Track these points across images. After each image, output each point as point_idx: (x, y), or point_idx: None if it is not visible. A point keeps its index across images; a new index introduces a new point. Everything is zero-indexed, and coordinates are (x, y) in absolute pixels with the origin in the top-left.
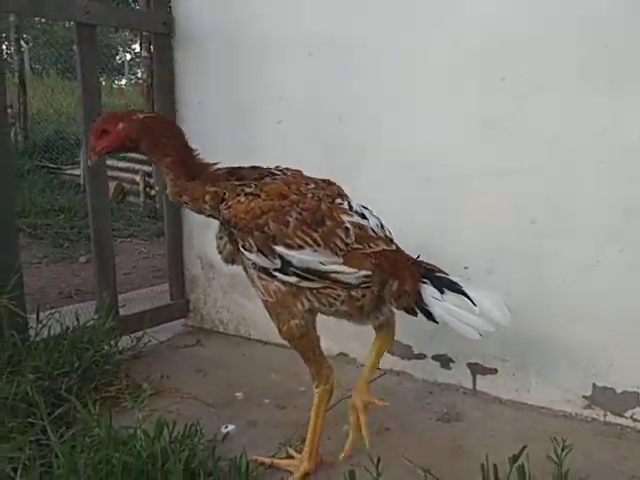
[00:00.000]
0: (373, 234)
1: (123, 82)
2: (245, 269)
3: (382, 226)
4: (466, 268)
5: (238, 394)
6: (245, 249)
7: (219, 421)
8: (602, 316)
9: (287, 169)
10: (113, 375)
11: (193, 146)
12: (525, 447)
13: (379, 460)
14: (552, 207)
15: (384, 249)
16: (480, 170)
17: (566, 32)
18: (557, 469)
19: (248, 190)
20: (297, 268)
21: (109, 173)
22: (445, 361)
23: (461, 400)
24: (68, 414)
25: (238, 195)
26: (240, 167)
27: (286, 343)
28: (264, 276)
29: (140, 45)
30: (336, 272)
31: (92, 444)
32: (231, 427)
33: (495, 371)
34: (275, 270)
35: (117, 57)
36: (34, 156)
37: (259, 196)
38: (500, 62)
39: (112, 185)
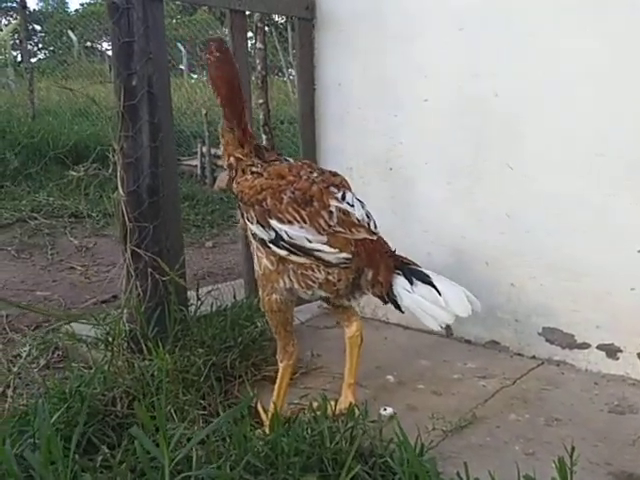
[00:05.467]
0: (356, 221)
1: None
2: (250, 241)
3: (369, 218)
4: None
5: (389, 377)
6: (248, 220)
7: (376, 403)
8: None
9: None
10: (269, 352)
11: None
12: None
13: (573, 449)
14: None
15: (365, 238)
16: None
17: None
18: None
19: (254, 169)
20: (286, 242)
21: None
22: (612, 351)
23: (631, 392)
24: (233, 389)
25: (245, 173)
26: (265, 148)
27: (425, 327)
28: (261, 248)
29: (255, 37)
30: (319, 250)
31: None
32: (390, 410)
33: None
34: (270, 242)
35: None
36: None
37: (262, 175)
38: None
39: (226, 174)
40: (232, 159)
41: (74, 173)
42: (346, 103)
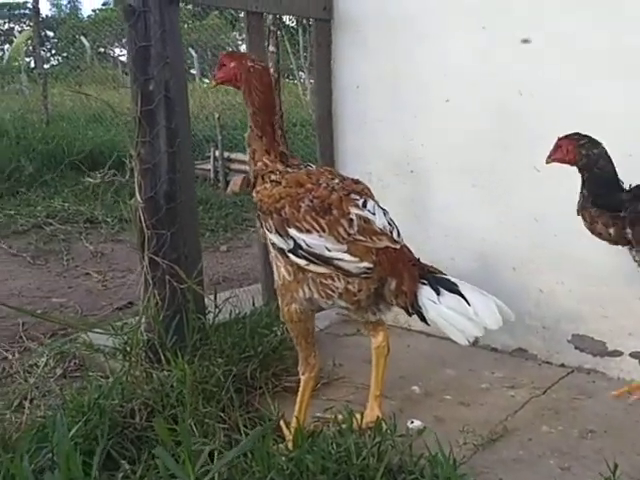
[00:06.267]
0: (378, 230)
1: None
2: (268, 248)
3: (391, 226)
4: None
5: (414, 388)
6: (267, 229)
7: (403, 415)
8: None
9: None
10: (289, 362)
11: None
12: None
13: (616, 466)
14: None
15: (387, 246)
16: None
17: None
18: None
19: (273, 177)
20: (305, 251)
21: (236, 167)
22: None
23: None
24: (253, 400)
25: (265, 182)
26: (291, 155)
27: (445, 335)
28: (280, 257)
29: (268, 40)
30: (339, 259)
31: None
32: (417, 423)
33: None
34: (289, 251)
35: None
36: None
37: (280, 183)
38: None
39: (239, 178)
40: (260, 164)
41: (91, 180)
42: (364, 105)
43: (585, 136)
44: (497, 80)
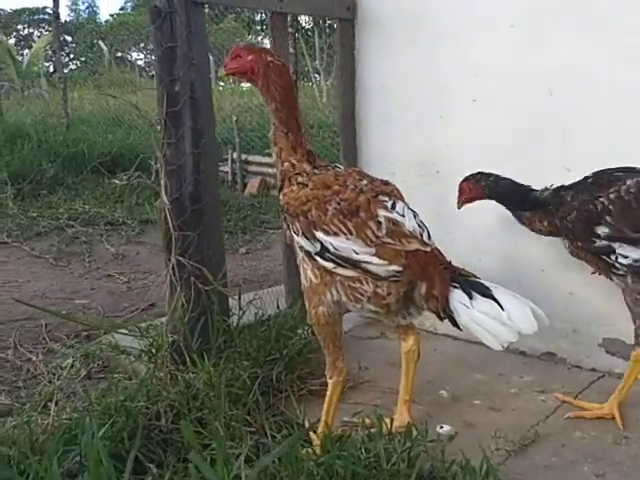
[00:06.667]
0: (407, 232)
1: (248, 84)
2: (295, 251)
3: (422, 228)
4: None
5: (442, 392)
6: (294, 232)
7: (431, 420)
8: None
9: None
10: (314, 364)
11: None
12: None
13: None
14: None
15: (417, 249)
16: None
17: None
18: None
19: (300, 180)
20: (333, 254)
21: (254, 169)
22: None
23: None
24: (279, 404)
25: (292, 184)
26: (317, 156)
27: (476, 339)
28: (307, 259)
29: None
30: (367, 262)
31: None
32: (447, 428)
33: None
34: (316, 254)
35: None
36: None
37: (307, 185)
38: None
39: (257, 180)
40: (286, 164)
41: (117, 182)
42: (389, 105)
43: (477, 173)
44: (526, 79)
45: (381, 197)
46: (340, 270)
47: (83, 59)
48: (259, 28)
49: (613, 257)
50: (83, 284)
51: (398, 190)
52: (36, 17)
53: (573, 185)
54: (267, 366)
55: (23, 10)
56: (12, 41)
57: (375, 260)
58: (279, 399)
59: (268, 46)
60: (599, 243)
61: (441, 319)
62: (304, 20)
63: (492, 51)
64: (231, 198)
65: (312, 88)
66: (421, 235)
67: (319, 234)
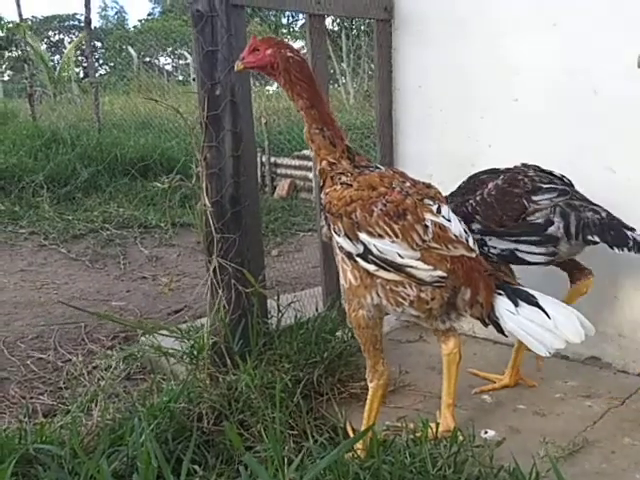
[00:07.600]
0: (453, 237)
1: (273, 87)
2: (335, 251)
3: (467, 233)
4: None
5: (485, 397)
6: (335, 232)
7: (475, 425)
8: None
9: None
10: (354, 367)
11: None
12: None
13: None
14: None
15: (463, 255)
16: None
17: None
18: None
19: (344, 179)
20: (376, 257)
21: (283, 171)
22: None
23: None
24: (320, 407)
25: (334, 183)
26: (356, 152)
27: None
28: (347, 261)
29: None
30: (411, 267)
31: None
32: (491, 433)
33: None
34: (357, 255)
35: None
36: None
37: (351, 186)
38: None
39: (286, 183)
40: (324, 163)
41: (159, 185)
42: (427, 105)
43: None
44: (570, 79)
45: (427, 201)
46: (382, 273)
47: (112, 64)
48: (285, 31)
49: (486, 248)
50: (119, 286)
51: (440, 193)
52: (66, 23)
53: (454, 191)
54: (307, 369)
55: (54, 17)
56: (43, 47)
57: (420, 265)
58: (320, 402)
59: (304, 50)
60: (475, 237)
61: (485, 325)
62: (329, 22)
63: (533, 50)
64: (261, 201)
65: (338, 90)
66: (466, 241)
67: (363, 235)
